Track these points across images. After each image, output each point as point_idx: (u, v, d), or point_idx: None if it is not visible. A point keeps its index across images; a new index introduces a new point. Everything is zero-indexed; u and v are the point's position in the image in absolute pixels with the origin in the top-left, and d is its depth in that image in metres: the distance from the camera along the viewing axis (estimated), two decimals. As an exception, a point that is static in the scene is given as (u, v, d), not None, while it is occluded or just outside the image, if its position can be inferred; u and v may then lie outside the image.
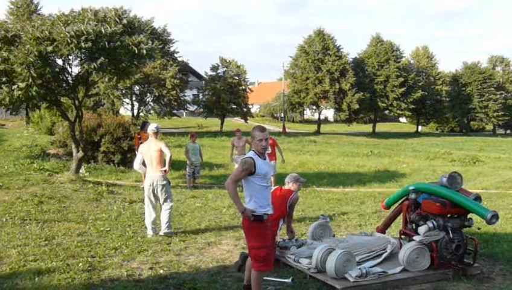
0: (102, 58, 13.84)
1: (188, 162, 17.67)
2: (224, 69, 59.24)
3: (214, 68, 59.25)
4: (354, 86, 62.57)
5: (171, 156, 10.43)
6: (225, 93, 56.66)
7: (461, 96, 78.95)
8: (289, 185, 8.80)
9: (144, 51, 14.48)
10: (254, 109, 77.40)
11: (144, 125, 17.02)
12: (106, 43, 13.73)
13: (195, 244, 9.68)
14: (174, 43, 56.21)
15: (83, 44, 13.44)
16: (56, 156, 20.91)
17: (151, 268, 8.06)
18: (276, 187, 9.16)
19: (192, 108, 61.19)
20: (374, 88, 66.76)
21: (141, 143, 13.54)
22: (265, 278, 7.57)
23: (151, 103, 53.72)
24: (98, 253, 8.74)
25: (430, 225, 7.71)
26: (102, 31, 13.68)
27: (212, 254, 9.08)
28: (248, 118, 62.08)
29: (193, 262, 8.50)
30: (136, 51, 14.32)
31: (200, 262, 8.52)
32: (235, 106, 58.69)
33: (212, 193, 15.83)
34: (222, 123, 58.14)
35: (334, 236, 9.52)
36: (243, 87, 59.64)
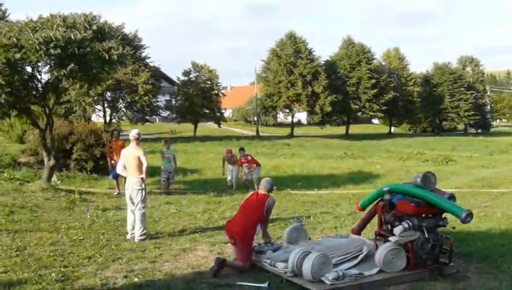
0: (72, 64, 13.67)
1: (162, 167, 17.54)
2: (197, 73, 59.08)
3: (186, 73, 59.05)
4: (327, 89, 62.80)
5: (147, 166, 10.49)
6: (198, 98, 56.50)
7: (432, 96, 79.79)
8: (266, 190, 8.77)
9: (115, 57, 14.33)
10: (227, 114, 77.30)
11: (113, 134, 17.68)
12: (76, 49, 13.54)
13: (170, 251, 9.57)
14: (145, 48, 55.94)
15: (52, 51, 13.25)
16: (27, 165, 20.61)
17: (125, 276, 7.94)
18: (252, 192, 9.12)
19: (165, 114, 60.95)
20: (347, 90, 67.08)
21: (112, 152, 13.85)
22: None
23: (124, 109, 53.33)
24: (71, 262, 8.58)
25: (405, 225, 7.72)
26: (72, 37, 13.49)
27: (187, 260, 8.98)
28: (221, 122, 61.99)
29: (168, 269, 8.40)
30: (107, 57, 14.16)
31: (176, 269, 8.42)
32: (208, 111, 58.58)
33: (186, 199, 15.72)
34: (195, 128, 57.92)
35: (309, 239, 9.48)
36: (216, 91, 59.56)
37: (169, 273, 8.14)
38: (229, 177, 19.24)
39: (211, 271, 8.01)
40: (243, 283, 7.52)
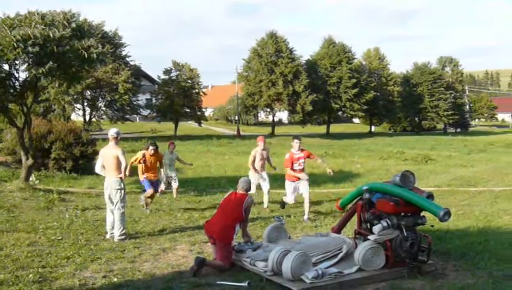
0: (50, 63, 13.54)
1: (162, 173, 15.26)
2: (177, 72, 58.79)
3: (167, 72, 58.76)
4: (308, 88, 62.89)
5: (126, 166, 10.46)
6: (178, 97, 56.26)
7: (412, 96, 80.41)
8: (244, 190, 8.78)
9: (94, 55, 14.21)
10: (208, 113, 77.13)
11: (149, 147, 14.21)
12: (55, 47, 13.42)
13: (149, 250, 9.53)
14: (125, 46, 55.50)
15: (30, 48, 13.12)
16: (4, 164, 20.40)
17: (104, 276, 7.88)
18: (230, 192, 9.11)
19: (145, 112, 60.58)
20: (327, 89, 67.26)
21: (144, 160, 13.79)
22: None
23: (104, 108, 52.97)
24: (49, 263, 8.50)
25: (384, 224, 7.76)
26: (51, 35, 13.37)
27: (167, 260, 8.95)
28: (202, 121, 61.84)
29: (148, 269, 8.36)
30: (86, 56, 14.03)
31: (155, 269, 8.38)
32: (188, 110, 58.34)
33: (166, 198, 15.64)
34: (176, 127, 57.71)
35: (289, 238, 9.49)
36: (197, 90, 59.33)
37: (148, 273, 8.10)
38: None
39: (190, 270, 8.00)
40: (223, 282, 7.52)
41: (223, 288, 7.36)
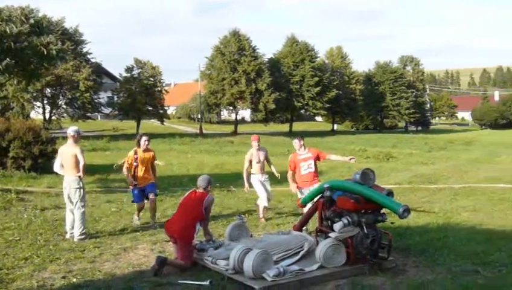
0: (8, 59, 13.35)
1: None
2: (139, 70, 58.33)
3: (129, 69, 58.23)
4: (270, 86, 63.02)
5: (84, 164, 10.27)
6: (140, 95, 55.83)
7: (374, 94, 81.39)
8: (203, 188, 8.76)
9: (54, 52, 14.08)
10: (170, 111, 76.69)
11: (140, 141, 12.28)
12: (12, 43, 13.21)
13: (110, 250, 9.42)
14: (86, 44, 54.84)
15: (-14, 45, 12.87)
16: (-39, 164, 19.93)
17: (63, 277, 7.76)
18: (191, 190, 9.08)
19: (107, 110, 59.96)
20: (290, 88, 67.52)
21: (136, 166, 11.60)
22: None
23: (64, 106, 52.28)
24: (6, 264, 8.33)
25: (345, 221, 7.81)
26: (8, 30, 13.17)
27: (128, 259, 8.86)
28: (164, 119, 61.48)
29: (108, 269, 8.26)
30: (45, 52, 13.87)
31: (116, 268, 8.29)
32: (151, 108, 57.96)
33: (127, 197, 15.45)
34: (138, 125, 57.24)
35: (251, 236, 9.49)
36: (159, 88, 58.98)
37: (109, 273, 8.01)
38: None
39: (151, 270, 7.93)
40: (184, 281, 7.48)
41: (185, 287, 7.31)
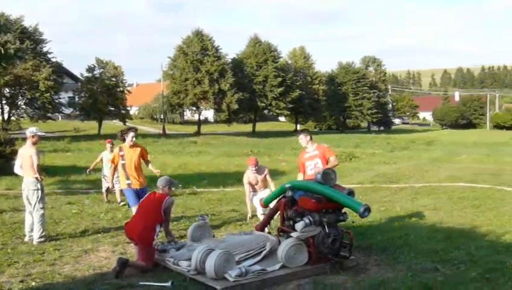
0: (-36, 59, 13.03)
1: (103, 173, 14.96)
2: (101, 70, 57.83)
3: (90, 69, 57.66)
4: (233, 87, 63.08)
5: (37, 165, 10.06)
6: (102, 95, 55.35)
7: (337, 95, 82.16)
8: (162, 189, 8.71)
9: (12, 51, 13.82)
10: (133, 111, 76.14)
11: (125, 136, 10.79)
12: (-32, 43, 12.92)
13: (70, 252, 9.27)
14: (47, 43, 54.11)
15: None
16: None
17: (22, 281, 7.60)
18: (150, 192, 9.01)
19: (68, 111, 59.21)
20: (253, 88, 67.70)
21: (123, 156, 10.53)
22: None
23: (24, 106, 51.44)
24: (-38, 269, 8.14)
25: (307, 221, 7.83)
26: (-36, 30, 12.86)
27: (88, 261, 8.73)
28: (127, 120, 61.00)
29: (68, 271, 8.12)
30: (3, 51, 13.61)
31: (76, 271, 8.16)
32: (113, 108, 57.51)
33: (89, 199, 15.31)
34: (100, 126, 56.68)
35: (213, 237, 9.46)
36: (121, 88, 58.56)
37: (69, 276, 7.88)
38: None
39: (113, 272, 7.83)
40: (146, 283, 7.41)
41: (146, 289, 7.24)
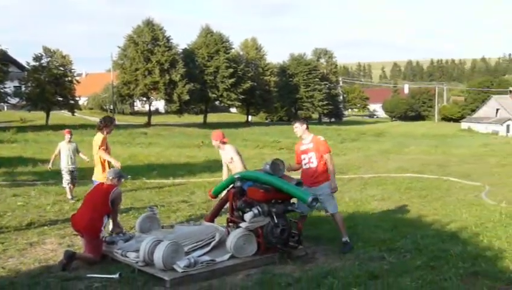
0: None
1: (62, 166, 14.18)
2: (49, 59, 56.59)
3: (37, 58, 56.34)
4: (185, 77, 62.72)
5: None
6: (50, 84, 54.23)
7: (289, 86, 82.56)
8: (111, 180, 8.60)
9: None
10: (82, 101, 74.77)
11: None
12: None
13: (15, 245, 9.04)
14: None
15: None
16: None
17: (-36, 275, 7.40)
18: (98, 182, 8.88)
19: (13, 101, 57.79)
20: (205, 79, 67.44)
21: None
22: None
23: (-33, 96, 50.08)
24: None
25: (256, 211, 7.85)
26: None
27: (34, 254, 8.54)
28: (76, 110, 59.99)
29: (13, 265, 7.93)
30: None
31: (21, 264, 7.97)
32: (61, 98, 56.45)
33: (35, 190, 15.00)
34: (48, 116, 55.57)
35: (162, 228, 9.40)
36: (69, 78, 57.50)
37: (13, 270, 7.70)
38: None
39: (59, 265, 7.68)
40: (93, 275, 7.30)
41: (93, 281, 7.13)
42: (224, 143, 10.39)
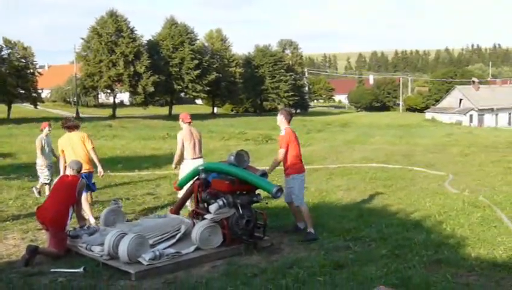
0: None
1: (39, 162, 13.01)
2: (9, 51, 55.68)
3: (-2, 50, 55.38)
4: (149, 69, 62.36)
5: None
6: (11, 77, 53.37)
7: (254, 77, 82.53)
8: (77, 171, 8.51)
9: None
10: (45, 94, 73.82)
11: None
12: None
13: (-24, 241, 8.89)
14: None
15: None
16: None
17: None
18: (63, 175, 8.76)
19: (-27, 94, 56.74)
20: (170, 71, 67.07)
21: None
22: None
23: None
24: None
25: (221, 202, 7.84)
26: None
27: (-4, 250, 8.41)
28: (38, 103, 59.14)
29: (-27, 261, 7.79)
30: None
31: (-18, 260, 7.84)
32: (23, 91, 55.68)
33: (-4, 185, 14.71)
34: (9, 109, 54.68)
35: (127, 221, 9.33)
36: (31, 70, 56.67)
37: (-26, 266, 7.56)
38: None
39: (22, 260, 7.57)
40: (57, 270, 7.21)
41: (58, 276, 7.05)
42: (185, 123, 10.87)
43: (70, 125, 10.53)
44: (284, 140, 9.13)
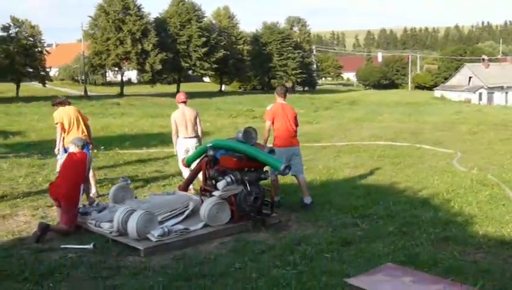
0: None
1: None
2: (17, 29, 55.62)
3: (5, 28, 55.35)
4: (157, 47, 62.17)
5: None
6: (19, 55, 53.35)
7: (262, 55, 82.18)
8: (79, 148, 8.57)
9: None
10: (53, 72, 73.82)
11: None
12: None
13: (-13, 218, 8.97)
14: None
15: None
16: None
17: None
18: (70, 152, 8.80)
19: (-18, 72, 56.84)
20: (177, 48, 66.86)
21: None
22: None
23: None
24: None
25: (229, 179, 7.87)
26: None
27: (7, 227, 8.48)
28: (46, 81, 59.20)
29: (-15, 237, 7.88)
30: None
31: (-6, 237, 7.92)
32: (31, 70, 55.70)
33: (7, 163, 14.78)
34: (18, 88, 54.76)
35: (136, 198, 9.38)
36: (39, 49, 56.60)
37: (-14, 242, 7.65)
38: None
39: (33, 236, 7.64)
40: (67, 246, 7.28)
41: (68, 252, 7.12)
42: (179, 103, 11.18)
43: (62, 101, 11.07)
44: (267, 113, 9.82)
